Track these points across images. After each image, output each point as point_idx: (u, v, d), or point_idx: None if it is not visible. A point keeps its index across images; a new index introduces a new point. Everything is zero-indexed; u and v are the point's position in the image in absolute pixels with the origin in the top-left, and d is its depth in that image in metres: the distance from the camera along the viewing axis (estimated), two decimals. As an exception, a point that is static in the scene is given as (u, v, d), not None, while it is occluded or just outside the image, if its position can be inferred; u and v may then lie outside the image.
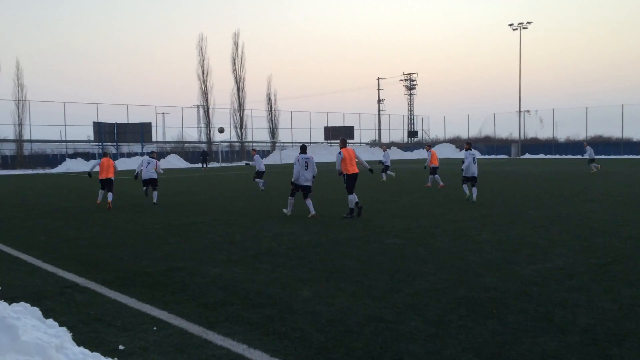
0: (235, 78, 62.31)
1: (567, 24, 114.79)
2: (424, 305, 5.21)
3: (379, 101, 79.76)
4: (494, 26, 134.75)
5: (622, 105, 57.94)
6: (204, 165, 47.01)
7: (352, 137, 70.77)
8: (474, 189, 14.39)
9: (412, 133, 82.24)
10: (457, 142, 72.52)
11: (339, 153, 11.87)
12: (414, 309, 5.10)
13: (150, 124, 53.68)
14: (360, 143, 73.16)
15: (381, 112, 79.11)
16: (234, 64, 62.16)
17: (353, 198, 11.75)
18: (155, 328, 4.69)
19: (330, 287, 5.96)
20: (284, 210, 12.54)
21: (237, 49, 62.13)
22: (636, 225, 9.99)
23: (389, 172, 24.29)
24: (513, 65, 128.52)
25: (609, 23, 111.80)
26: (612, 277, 6.19)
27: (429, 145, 22.79)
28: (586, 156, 28.70)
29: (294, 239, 9.16)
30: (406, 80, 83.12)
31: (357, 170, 11.98)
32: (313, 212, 11.92)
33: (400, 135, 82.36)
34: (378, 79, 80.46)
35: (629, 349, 4.01)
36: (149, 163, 15.67)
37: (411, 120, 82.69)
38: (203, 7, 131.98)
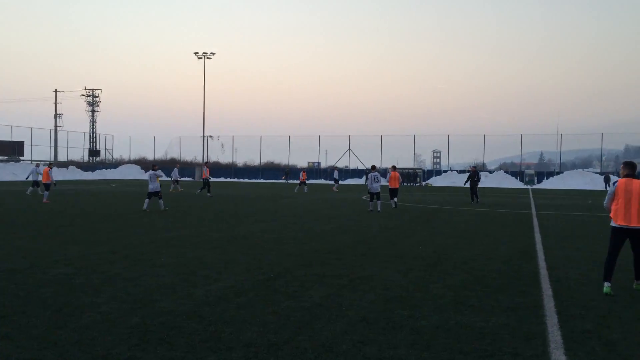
0: None
1: (246, 57, 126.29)
2: (91, 339, 4.84)
3: (56, 116, 72.79)
4: (182, 53, 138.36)
5: (289, 135, 66.81)
6: None
7: (22, 154, 62.55)
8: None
9: (94, 152, 77.51)
10: (143, 164, 71.22)
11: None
12: (79, 345, 4.68)
13: None
14: (31, 161, 64.95)
15: (59, 128, 72.26)
16: None
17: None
18: None
19: (-25, 332, 5.01)
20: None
21: None
22: (295, 242, 11.41)
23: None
24: (199, 91, 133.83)
25: (288, 59, 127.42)
26: (274, 291, 6.89)
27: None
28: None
29: None
30: (88, 95, 78.15)
31: None
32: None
33: (81, 154, 76.66)
34: (55, 91, 73.50)
35: (284, 357, 4.49)
36: None
37: (93, 138, 77.90)
38: None
